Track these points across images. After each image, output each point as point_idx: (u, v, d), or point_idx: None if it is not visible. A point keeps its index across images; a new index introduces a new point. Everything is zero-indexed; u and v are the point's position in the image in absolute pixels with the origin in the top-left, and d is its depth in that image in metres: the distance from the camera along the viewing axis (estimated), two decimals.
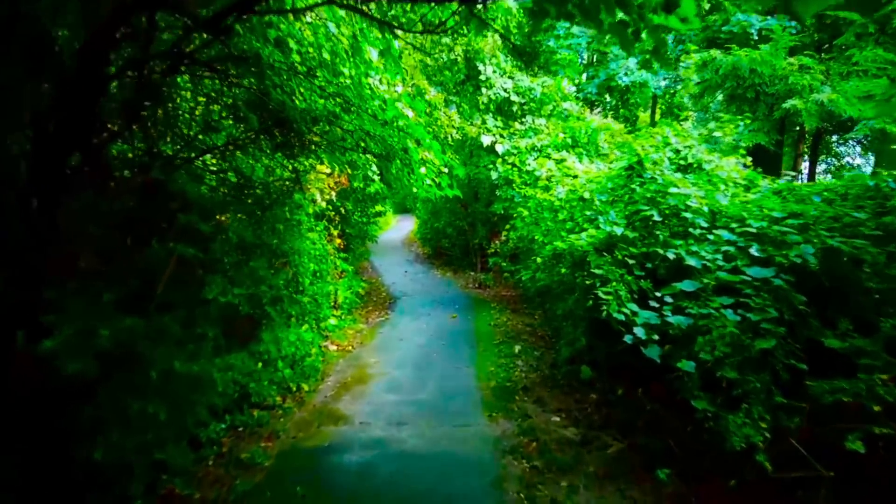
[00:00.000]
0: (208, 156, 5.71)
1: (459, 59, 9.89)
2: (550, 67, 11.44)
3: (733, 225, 4.47)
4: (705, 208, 4.57)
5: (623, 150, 6.42)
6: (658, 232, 4.45)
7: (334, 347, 7.67)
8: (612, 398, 5.30)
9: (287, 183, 6.39)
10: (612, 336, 5.05)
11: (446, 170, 5.41)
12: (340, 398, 5.88)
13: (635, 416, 4.79)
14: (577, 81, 13.84)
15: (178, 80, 4.89)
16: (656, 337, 3.88)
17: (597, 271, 4.37)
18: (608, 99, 11.35)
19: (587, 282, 5.13)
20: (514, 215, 13.03)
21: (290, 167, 6.05)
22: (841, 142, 17.69)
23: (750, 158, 6.66)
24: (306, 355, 6.61)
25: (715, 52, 10.11)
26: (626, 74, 10.68)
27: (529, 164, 8.87)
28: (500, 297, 11.71)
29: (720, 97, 10.63)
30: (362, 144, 5.00)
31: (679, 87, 12.49)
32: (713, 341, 3.70)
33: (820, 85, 9.61)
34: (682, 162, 5.54)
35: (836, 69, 9.95)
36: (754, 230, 4.31)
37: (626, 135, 10.47)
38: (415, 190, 5.72)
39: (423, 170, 5.16)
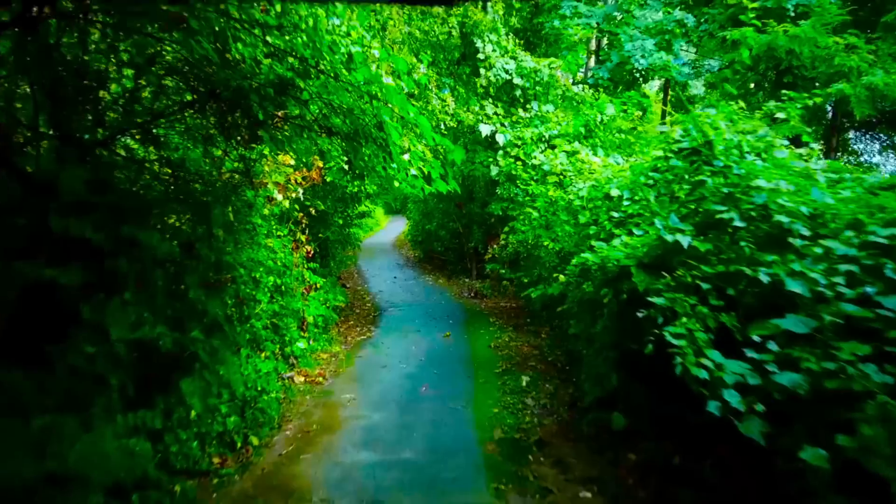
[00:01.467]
0: (131, 140, 4.33)
1: (454, 33, 8.54)
2: (562, 47, 10.10)
3: (848, 233, 3.13)
4: (803, 209, 3.22)
5: (665, 139, 5.08)
6: (743, 243, 3.09)
7: (301, 379, 6.26)
8: (661, 461, 3.95)
9: (235, 176, 4.98)
10: (658, 376, 3.74)
11: (441, 151, 4.02)
12: (299, 457, 4.48)
13: (699, 496, 3.44)
14: (585, 66, 12.53)
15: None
16: (760, 408, 2.53)
17: (657, 300, 3.01)
18: (620, 86, 10.02)
19: (621, 297, 3.80)
20: (516, 216, 11.70)
21: (235, 155, 4.65)
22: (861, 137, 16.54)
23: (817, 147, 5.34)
24: (261, 393, 5.20)
25: (747, 31, 8.80)
26: (643, 56, 9.37)
27: (536, 158, 7.53)
28: (500, 309, 10.35)
29: (751, 84, 9.31)
30: (322, 120, 3.61)
31: (706, 70, 11.22)
32: (853, 416, 2.36)
33: (868, 67, 8.33)
34: (745, 148, 4.19)
35: (885, 49, 8.67)
36: (883, 239, 2.97)
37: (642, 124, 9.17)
38: (396, 184, 4.35)
39: (405, 156, 3.77)
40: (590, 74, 10.60)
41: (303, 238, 6.53)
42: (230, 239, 4.61)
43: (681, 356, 2.69)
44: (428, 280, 14.38)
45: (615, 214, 5.23)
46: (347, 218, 10.21)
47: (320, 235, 8.19)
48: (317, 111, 3.56)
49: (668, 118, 13.56)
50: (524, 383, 6.05)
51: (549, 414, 5.27)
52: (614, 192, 5.27)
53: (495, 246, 11.88)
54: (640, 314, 3.18)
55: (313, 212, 6.52)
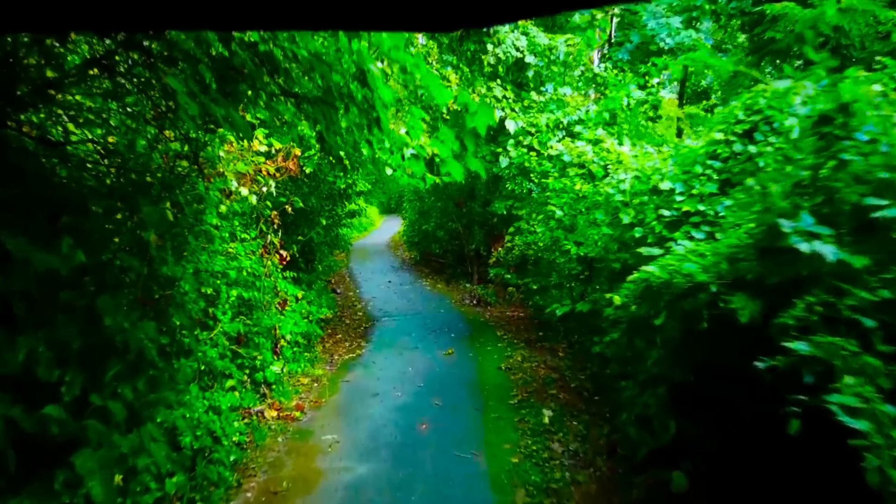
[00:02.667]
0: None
1: None
2: (571, 25, 9.01)
3: None
4: None
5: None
6: None
7: (274, 414, 5.13)
8: None
9: (183, 163, 3.85)
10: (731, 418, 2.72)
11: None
12: None
13: None
14: (600, 47, 11.45)
15: None
16: None
17: (798, 347, 1.91)
18: (643, 68, 8.92)
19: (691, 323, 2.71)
20: (523, 216, 10.62)
21: (176, 135, 3.52)
22: None
23: None
24: (215, 444, 4.08)
25: (788, 4, 7.73)
26: (669, 35, 8.30)
27: (553, 147, 6.42)
28: (506, 319, 9.24)
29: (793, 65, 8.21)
30: (282, 79, 2.49)
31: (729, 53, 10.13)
32: None
33: None
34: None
35: None
36: None
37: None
38: (389, 171, 3.25)
39: (401, 129, 2.65)
40: (605, 58, 9.52)
41: (276, 241, 5.39)
42: (168, 245, 3.48)
43: (870, 451, 1.58)
44: (425, 285, 13.27)
45: (665, 213, 4.14)
46: (335, 217, 9.07)
47: (300, 238, 7.05)
48: (277, 63, 2.43)
49: (685, 108, 12.49)
50: (547, 419, 4.94)
51: (583, 465, 4.16)
52: (665, 186, 4.18)
53: (500, 249, 10.79)
54: (759, 364, 2.08)
55: (289, 209, 5.41)
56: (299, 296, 5.94)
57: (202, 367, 4.29)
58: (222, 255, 4.43)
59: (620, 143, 6.67)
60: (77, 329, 2.79)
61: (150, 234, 3.33)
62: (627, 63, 8.85)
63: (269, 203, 5.30)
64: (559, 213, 5.48)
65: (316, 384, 6.09)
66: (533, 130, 7.15)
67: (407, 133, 2.93)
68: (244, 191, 4.64)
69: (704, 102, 15.75)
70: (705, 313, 2.85)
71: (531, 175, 7.09)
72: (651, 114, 7.44)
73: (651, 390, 4.04)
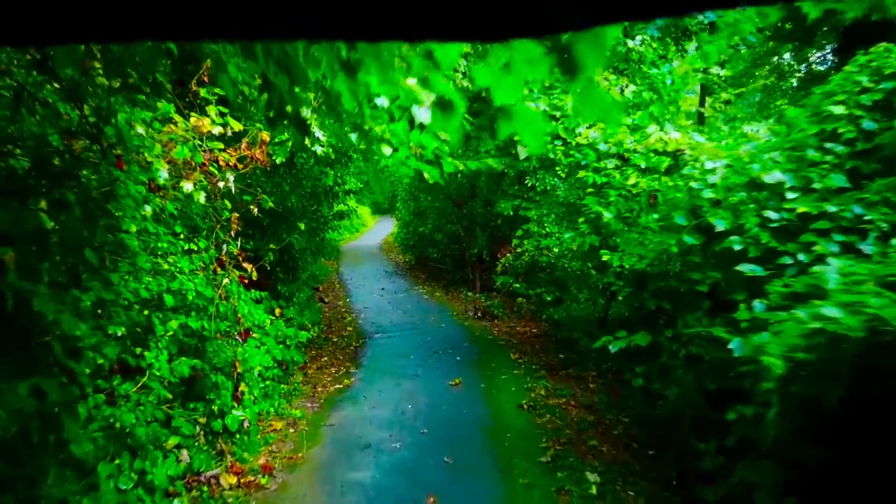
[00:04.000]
0: None
1: None
2: None
3: None
4: None
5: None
6: None
7: (233, 480, 3.89)
8: None
9: (82, 143, 2.61)
10: None
11: None
12: None
13: None
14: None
15: None
16: None
17: None
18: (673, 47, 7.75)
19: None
20: (533, 217, 9.44)
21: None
22: None
23: None
24: None
25: None
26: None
27: (587, 135, 5.21)
28: (518, 336, 8.05)
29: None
30: None
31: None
32: None
33: None
34: None
35: None
36: None
37: None
38: (386, 152, 2.04)
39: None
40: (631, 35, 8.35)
41: (235, 251, 4.14)
42: (44, 266, 2.24)
43: None
44: (421, 293, 12.07)
45: (772, 216, 2.96)
46: (321, 220, 7.83)
47: (272, 246, 5.80)
48: None
49: (707, 101, 11.34)
50: (594, 488, 3.74)
51: None
52: (772, 178, 2.99)
53: (508, 254, 9.61)
54: None
55: (255, 210, 4.17)
56: (267, 324, 4.68)
57: (125, 434, 3.05)
58: (152, 276, 3.20)
59: (662, 129, 5.49)
60: None
61: (6, 251, 2.10)
62: (658, 40, 7.69)
63: (227, 202, 4.06)
64: (607, 214, 4.27)
65: (293, 429, 4.85)
66: (558, 115, 5.96)
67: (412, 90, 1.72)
68: (187, 185, 3.40)
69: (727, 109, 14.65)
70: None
71: (556, 169, 5.90)
72: (676, 96, 6.27)
73: (755, 466, 2.89)
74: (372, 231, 24.52)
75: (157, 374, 3.42)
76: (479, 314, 9.41)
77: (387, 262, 17.06)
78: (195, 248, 3.75)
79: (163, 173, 2.85)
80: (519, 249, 8.94)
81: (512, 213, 10.58)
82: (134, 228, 2.81)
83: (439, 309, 10.18)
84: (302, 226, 6.18)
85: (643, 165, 4.37)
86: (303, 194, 7.03)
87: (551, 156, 5.82)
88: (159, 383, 3.38)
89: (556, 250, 8.64)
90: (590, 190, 4.62)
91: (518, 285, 9.45)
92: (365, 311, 10.18)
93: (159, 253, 3.44)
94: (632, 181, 4.24)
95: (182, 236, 3.70)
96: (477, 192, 12.10)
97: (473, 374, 6.25)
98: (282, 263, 6.96)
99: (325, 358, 7.09)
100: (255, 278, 5.23)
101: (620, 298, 4.76)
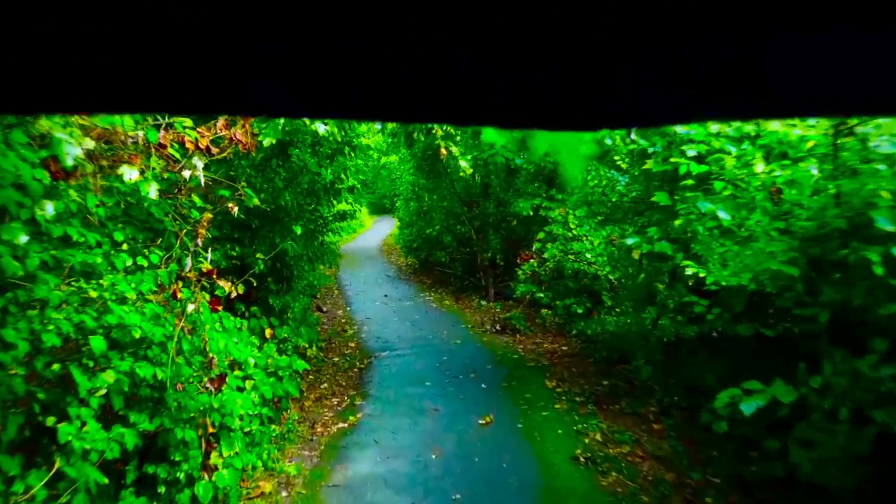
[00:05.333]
0: None
1: None
2: None
3: None
4: None
5: None
6: None
7: None
8: None
9: None
10: None
11: None
12: None
13: None
14: None
15: None
16: None
17: None
18: None
19: None
20: (556, 217, 8.39)
21: None
22: None
23: None
24: None
25: None
26: None
27: None
28: (549, 355, 6.97)
29: None
30: None
31: None
32: None
33: None
34: None
35: None
36: None
37: None
38: None
39: None
40: None
41: (206, 266, 3.02)
42: None
43: None
44: (429, 300, 10.99)
45: None
46: (319, 221, 6.74)
47: (259, 256, 4.69)
48: None
49: None
50: None
51: None
52: None
53: (532, 260, 8.53)
54: None
55: (234, 210, 3.08)
56: (250, 364, 3.58)
57: None
58: (77, 307, 2.11)
59: None
60: None
61: None
62: None
63: (196, 199, 2.96)
64: (723, 215, 3.14)
65: (285, 492, 3.77)
66: None
67: None
68: (129, 173, 2.30)
69: None
70: None
71: (614, 158, 4.82)
72: None
73: None
74: (370, 231, 23.41)
75: (86, 448, 2.32)
76: (498, 327, 8.32)
77: (388, 265, 15.98)
78: (145, 264, 2.65)
79: (72, 151, 1.76)
80: (546, 255, 7.87)
81: (532, 213, 9.54)
82: (19, 238, 1.72)
83: (451, 320, 9.10)
84: (298, 229, 5.07)
85: (775, 145, 3.24)
86: (299, 191, 5.94)
87: (608, 142, 4.73)
88: (90, 465, 2.28)
89: (588, 255, 7.59)
90: (688, 182, 3.52)
91: (541, 295, 8.39)
92: (368, 322, 9.11)
93: (89, 268, 2.35)
94: (759, 168, 3.12)
95: (125, 246, 2.61)
96: (490, 191, 11.04)
97: (506, 407, 5.18)
98: (274, 272, 5.86)
99: (325, 384, 6.01)
100: (240, 291, 4.15)
101: (711, 318, 3.70)
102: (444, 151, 3.52)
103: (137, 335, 2.41)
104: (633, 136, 4.26)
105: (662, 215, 4.13)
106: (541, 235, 8.69)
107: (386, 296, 11.44)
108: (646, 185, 4.26)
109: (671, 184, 3.83)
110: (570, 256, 8.03)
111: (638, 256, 4.36)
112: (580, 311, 7.59)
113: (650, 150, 4.20)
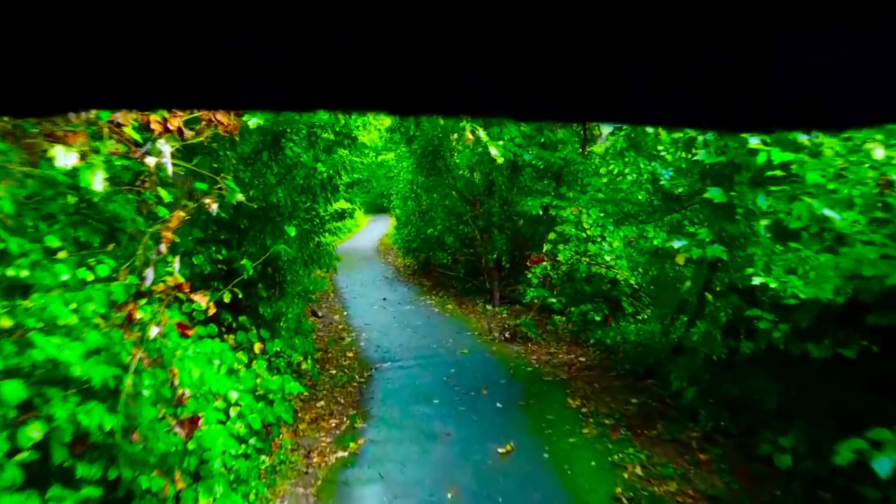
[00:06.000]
0: None
1: None
2: None
3: None
4: None
5: None
6: None
7: None
8: None
9: None
10: None
11: None
12: None
13: None
14: None
15: None
16: None
17: None
18: None
19: None
20: (568, 217, 7.82)
21: None
22: None
23: None
24: None
25: None
26: None
27: None
28: (566, 367, 6.39)
29: None
30: None
31: None
32: None
33: None
34: None
35: None
36: None
37: None
38: None
39: None
40: None
41: (173, 279, 2.39)
42: None
43: None
44: (430, 304, 10.40)
45: None
46: (315, 220, 6.12)
47: (245, 263, 4.08)
48: None
49: None
50: None
51: None
52: None
53: (544, 263, 7.95)
54: None
55: (212, 207, 2.49)
56: (231, 398, 2.96)
57: None
58: None
59: None
60: None
61: None
62: None
63: (164, 193, 2.35)
64: (835, 216, 2.53)
65: None
66: None
67: None
68: (65, 158, 1.69)
69: None
70: None
71: (659, 149, 4.25)
72: None
73: None
74: (366, 231, 22.77)
75: None
76: (507, 335, 7.74)
77: (385, 266, 15.38)
78: (89, 277, 2.03)
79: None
80: (560, 257, 7.30)
81: (541, 213, 8.98)
82: None
83: (456, 326, 8.51)
84: (291, 230, 4.45)
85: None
86: (293, 187, 5.32)
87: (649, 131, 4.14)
88: None
89: (607, 258, 7.03)
90: (777, 174, 2.94)
91: (554, 300, 7.83)
92: (366, 328, 8.52)
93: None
94: (878, 153, 2.50)
95: (64, 254, 2.00)
96: (494, 190, 10.46)
97: (527, 432, 4.59)
98: (265, 278, 5.25)
99: (322, 402, 5.40)
100: (226, 301, 3.56)
101: (777, 336, 3.13)
102: (469, 136, 2.96)
103: (75, 373, 1.79)
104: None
105: (716, 214, 3.55)
106: (552, 236, 8.12)
107: (385, 299, 10.85)
108: (695, 178, 3.69)
109: (733, 176, 3.25)
110: (585, 259, 7.47)
111: (683, 262, 3.79)
112: (598, 318, 7.02)
113: (700, 138, 3.62)
